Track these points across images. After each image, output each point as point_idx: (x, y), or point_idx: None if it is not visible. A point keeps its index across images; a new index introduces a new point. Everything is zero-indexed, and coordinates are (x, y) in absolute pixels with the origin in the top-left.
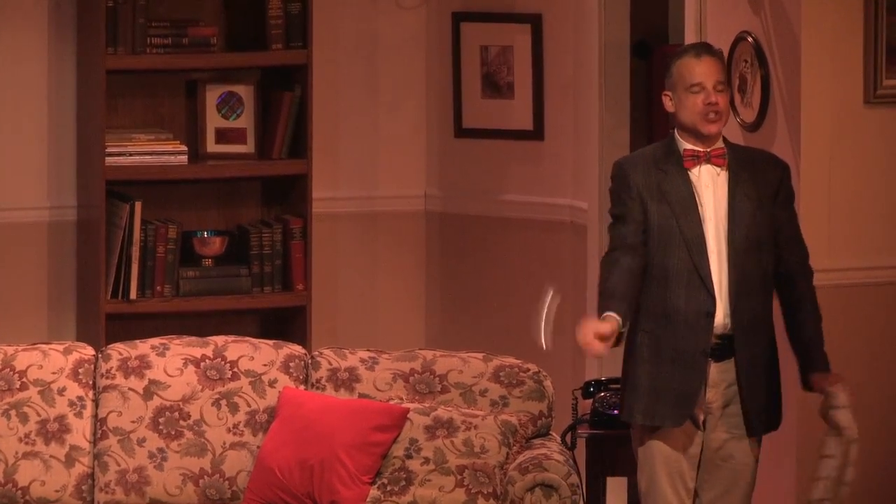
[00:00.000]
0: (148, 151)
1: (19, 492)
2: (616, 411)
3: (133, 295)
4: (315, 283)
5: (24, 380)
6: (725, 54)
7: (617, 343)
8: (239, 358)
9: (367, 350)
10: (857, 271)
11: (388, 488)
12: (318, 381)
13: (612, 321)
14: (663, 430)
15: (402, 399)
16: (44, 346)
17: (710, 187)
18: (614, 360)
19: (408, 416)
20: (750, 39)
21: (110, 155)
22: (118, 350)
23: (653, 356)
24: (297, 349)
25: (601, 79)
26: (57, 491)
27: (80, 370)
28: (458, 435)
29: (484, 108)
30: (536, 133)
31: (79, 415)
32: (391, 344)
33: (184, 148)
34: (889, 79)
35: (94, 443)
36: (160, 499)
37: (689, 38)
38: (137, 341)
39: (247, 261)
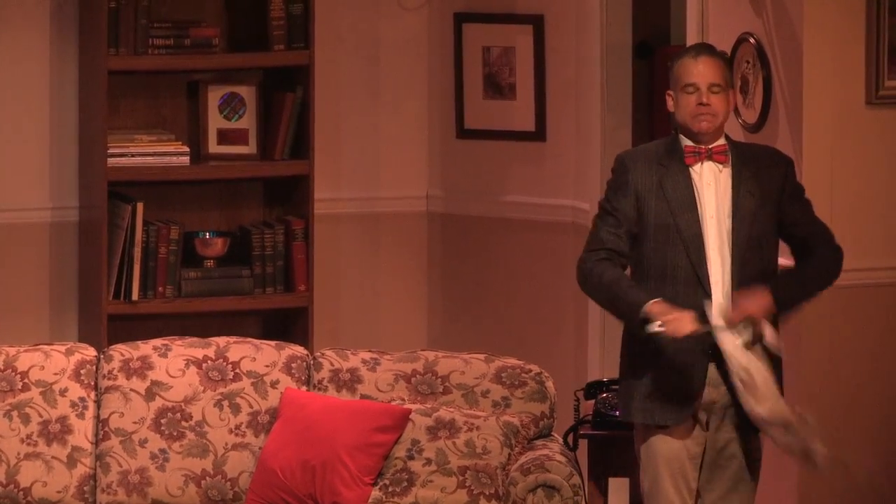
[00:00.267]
0: (150, 152)
1: (21, 493)
2: (618, 412)
3: (135, 296)
4: (317, 284)
5: (26, 381)
6: (727, 55)
7: None
8: (241, 359)
9: (369, 351)
10: (859, 272)
11: (390, 489)
12: (319, 382)
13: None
14: (666, 430)
15: (403, 400)
16: (46, 346)
17: (713, 185)
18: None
19: (409, 416)
20: (752, 40)
21: (112, 156)
22: (120, 351)
23: (652, 355)
24: (299, 350)
25: (603, 80)
26: (59, 492)
27: (81, 371)
28: (460, 436)
29: (486, 108)
30: (538, 134)
31: (81, 416)
32: (393, 345)
33: (186, 149)
34: (891, 80)
35: (96, 444)
36: (162, 500)
37: (691, 39)
38: (139, 342)
39: (248, 262)
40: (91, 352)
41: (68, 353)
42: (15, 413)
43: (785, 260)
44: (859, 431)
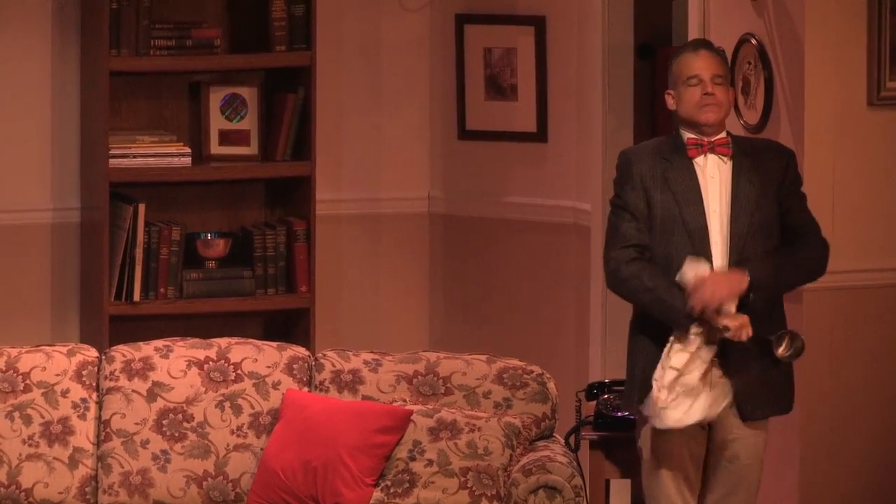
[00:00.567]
0: (151, 153)
1: (23, 494)
2: (620, 413)
3: (136, 297)
4: (318, 285)
5: (28, 382)
6: (729, 56)
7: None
8: (242, 360)
9: (371, 352)
10: (860, 273)
11: (392, 490)
12: (321, 383)
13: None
14: (668, 430)
15: (405, 401)
16: (47, 347)
17: (716, 178)
18: (617, 361)
19: (411, 417)
20: (753, 41)
21: (114, 157)
22: (121, 352)
23: (658, 347)
24: (301, 351)
25: (605, 81)
26: (60, 493)
27: (83, 372)
28: (462, 437)
29: (487, 110)
30: (540, 135)
31: (82, 417)
32: (394, 346)
33: (187, 150)
34: (893, 81)
35: (98, 445)
36: (164, 501)
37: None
38: (141, 343)
39: (250, 263)
40: (93, 353)
41: (70, 354)
42: (17, 414)
43: None
44: (859, 431)
